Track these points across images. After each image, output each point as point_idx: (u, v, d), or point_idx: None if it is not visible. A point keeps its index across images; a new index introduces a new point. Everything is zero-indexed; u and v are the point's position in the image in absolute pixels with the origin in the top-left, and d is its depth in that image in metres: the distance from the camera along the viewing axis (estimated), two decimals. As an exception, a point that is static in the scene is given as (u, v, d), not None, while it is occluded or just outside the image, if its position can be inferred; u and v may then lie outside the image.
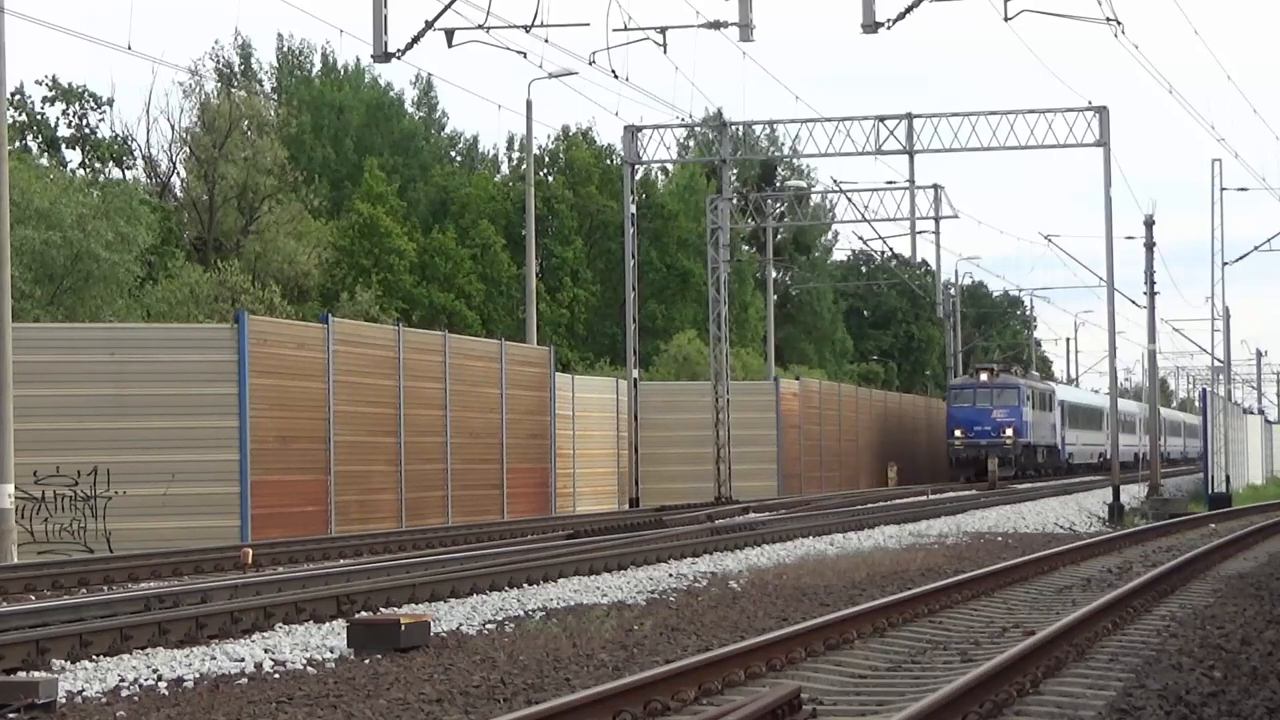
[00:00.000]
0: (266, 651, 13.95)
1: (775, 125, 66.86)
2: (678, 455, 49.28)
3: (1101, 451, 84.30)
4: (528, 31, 32.39)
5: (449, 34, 32.50)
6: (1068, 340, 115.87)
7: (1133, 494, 46.50)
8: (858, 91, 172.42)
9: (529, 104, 45.57)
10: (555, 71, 40.69)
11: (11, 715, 10.91)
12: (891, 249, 62.47)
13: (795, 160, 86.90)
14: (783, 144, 77.86)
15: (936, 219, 56.32)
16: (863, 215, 56.31)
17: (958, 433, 64.04)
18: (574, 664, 13.24)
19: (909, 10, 31.96)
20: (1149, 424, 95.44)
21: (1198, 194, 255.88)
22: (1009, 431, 63.62)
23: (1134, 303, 51.58)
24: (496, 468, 39.40)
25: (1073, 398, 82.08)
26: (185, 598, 17.32)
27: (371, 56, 32.84)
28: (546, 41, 33.15)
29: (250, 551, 23.70)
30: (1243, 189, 67.02)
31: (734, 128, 58.50)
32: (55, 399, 28.56)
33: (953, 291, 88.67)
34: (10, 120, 43.91)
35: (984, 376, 65.41)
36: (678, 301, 74.59)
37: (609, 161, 72.41)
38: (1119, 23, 35.58)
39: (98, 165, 55.27)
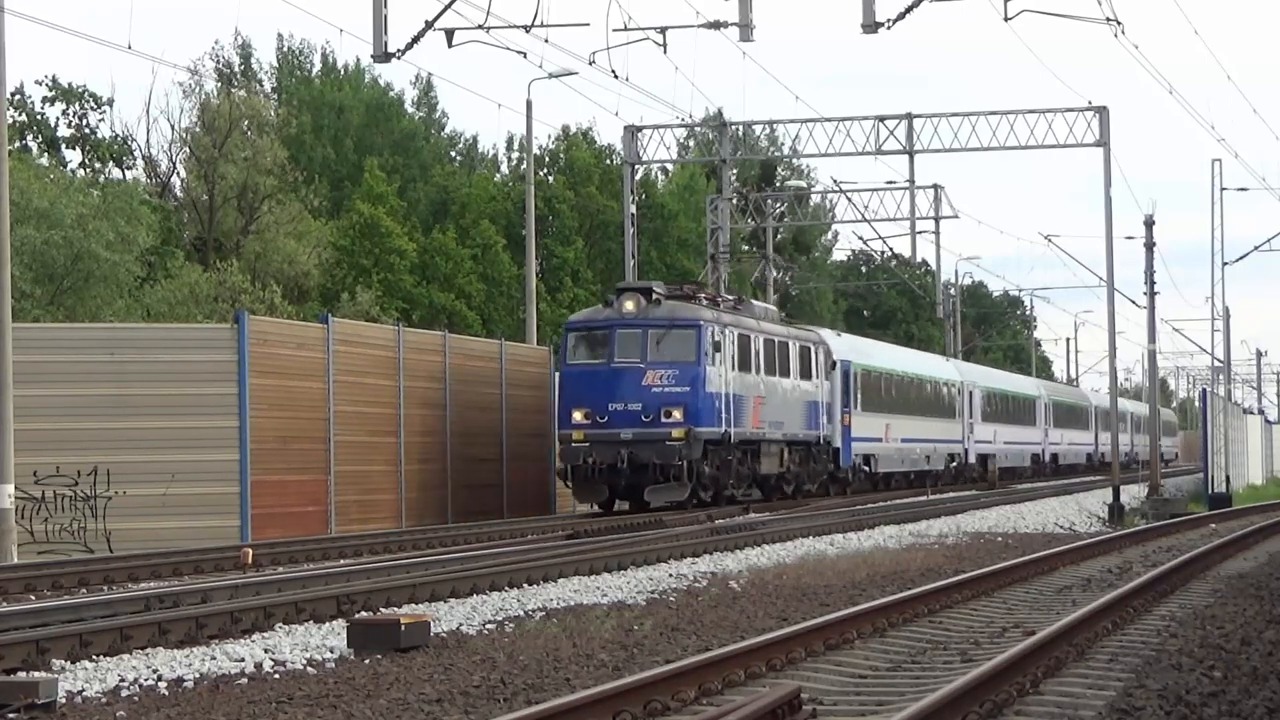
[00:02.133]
0: (266, 651, 13.95)
1: (775, 125, 67.00)
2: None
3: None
4: (528, 31, 32.40)
5: (449, 34, 32.49)
6: (1068, 340, 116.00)
7: (1133, 494, 46.51)
8: (858, 91, 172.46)
9: (529, 104, 45.61)
10: (555, 71, 40.70)
11: (11, 715, 10.91)
12: (891, 249, 62.47)
13: (795, 160, 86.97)
14: (783, 144, 77.95)
15: (936, 219, 56.36)
16: (863, 215, 56.33)
17: (576, 416, 35.55)
18: (574, 664, 13.24)
19: (909, 10, 31.97)
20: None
21: (1198, 194, 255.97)
22: (676, 414, 35.38)
23: (1134, 303, 51.63)
24: (497, 467, 39.40)
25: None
26: (185, 598, 17.31)
27: (371, 56, 32.84)
28: (546, 41, 33.17)
29: (250, 551, 23.70)
30: (1243, 189, 67.19)
31: (734, 128, 58.56)
32: (55, 399, 28.55)
33: (953, 291, 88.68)
34: (10, 120, 43.92)
35: (629, 306, 36.25)
36: (678, 301, 74.56)
37: (609, 161, 72.43)
38: (1119, 23, 35.60)
39: (98, 165, 55.28)
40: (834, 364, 46.16)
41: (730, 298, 41.97)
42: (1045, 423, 76.12)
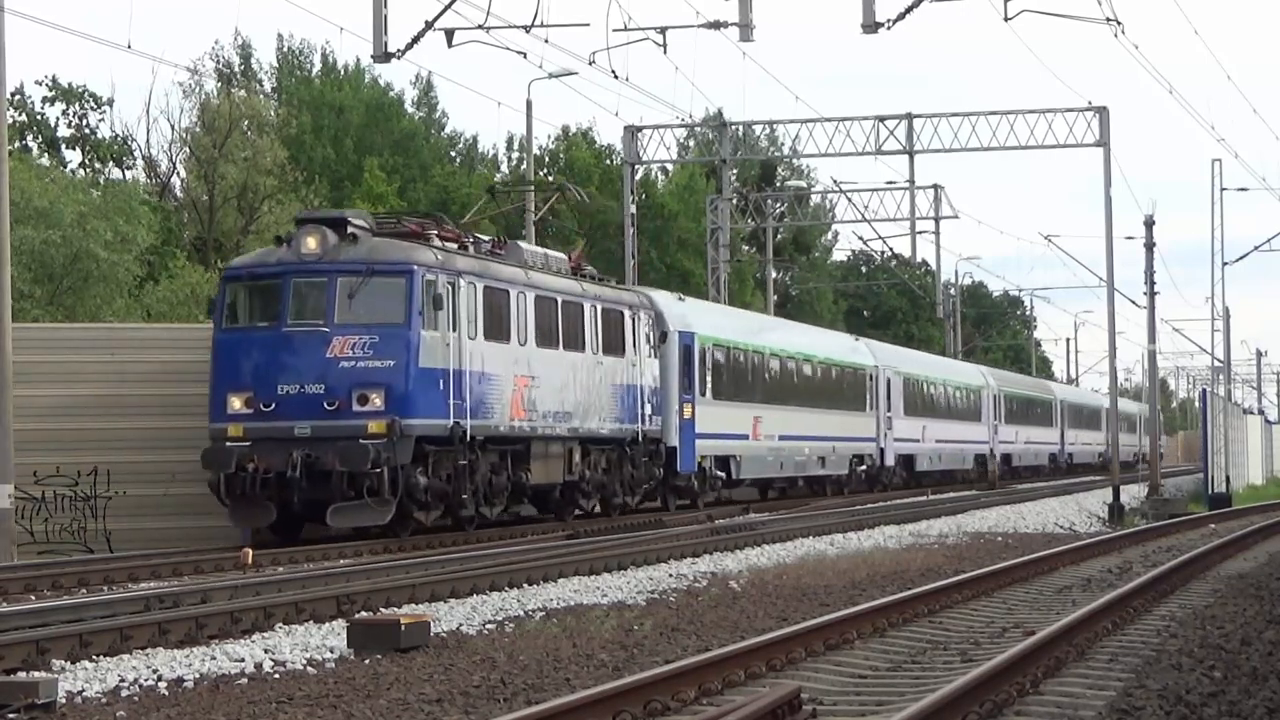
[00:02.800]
0: (266, 651, 13.95)
1: (775, 125, 66.98)
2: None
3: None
4: (528, 31, 32.41)
5: (449, 34, 32.50)
6: (1068, 340, 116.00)
7: (1133, 494, 46.51)
8: (858, 91, 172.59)
9: (529, 104, 45.58)
10: (555, 71, 40.69)
11: (11, 715, 10.91)
12: (891, 249, 62.58)
13: (795, 160, 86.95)
14: (783, 144, 77.93)
15: (936, 219, 56.41)
16: (863, 215, 56.39)
17: (234, 403, 26.17)
18: (574, 664, 13.24)
19: (909, 10, 31.97)
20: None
21: (1198, 194, 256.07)
22: (375, 399, 25.91)
23: (1134, 303, 51.66)
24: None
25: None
26: (185, 598, 17.31)
27: (371, 56, 32.86)
28: (546, 41, 33.17)
29: (250, 552, 23.68)
30: (1243, 189, 67.20)
31: (734, 128, 58.60)
32: (55, 399, 28.51)
33: (953, 291, 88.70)
34: (10, 120, 43.91)
35: (311, 244, 26.75)
36: (677, 302, 74.59)
37: (609, 161, 72.42)
38: (1119, 23, 35.61)
39: (98, 165, 55.25)
40: (665, 335, 36.42)
41: (485, 239, 31.17)
42: (994, 418, 68.05)
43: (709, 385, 38.53)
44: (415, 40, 32.14)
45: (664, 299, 38.11)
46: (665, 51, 35.54)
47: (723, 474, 39.44)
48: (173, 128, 59.09)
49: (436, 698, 11.65)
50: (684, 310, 38.77)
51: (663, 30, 35.54)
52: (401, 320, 26.06)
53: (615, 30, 38.72)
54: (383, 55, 32.20)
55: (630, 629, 15.55)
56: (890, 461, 53.10)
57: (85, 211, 44.64)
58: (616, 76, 34.73)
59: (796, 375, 45.74)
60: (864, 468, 50.93)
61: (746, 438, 40.93)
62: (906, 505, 42.50)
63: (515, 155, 78.76)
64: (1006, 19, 32.20)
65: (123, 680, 12.49)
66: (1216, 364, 77.19)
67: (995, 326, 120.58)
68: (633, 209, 51.46)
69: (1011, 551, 26.39)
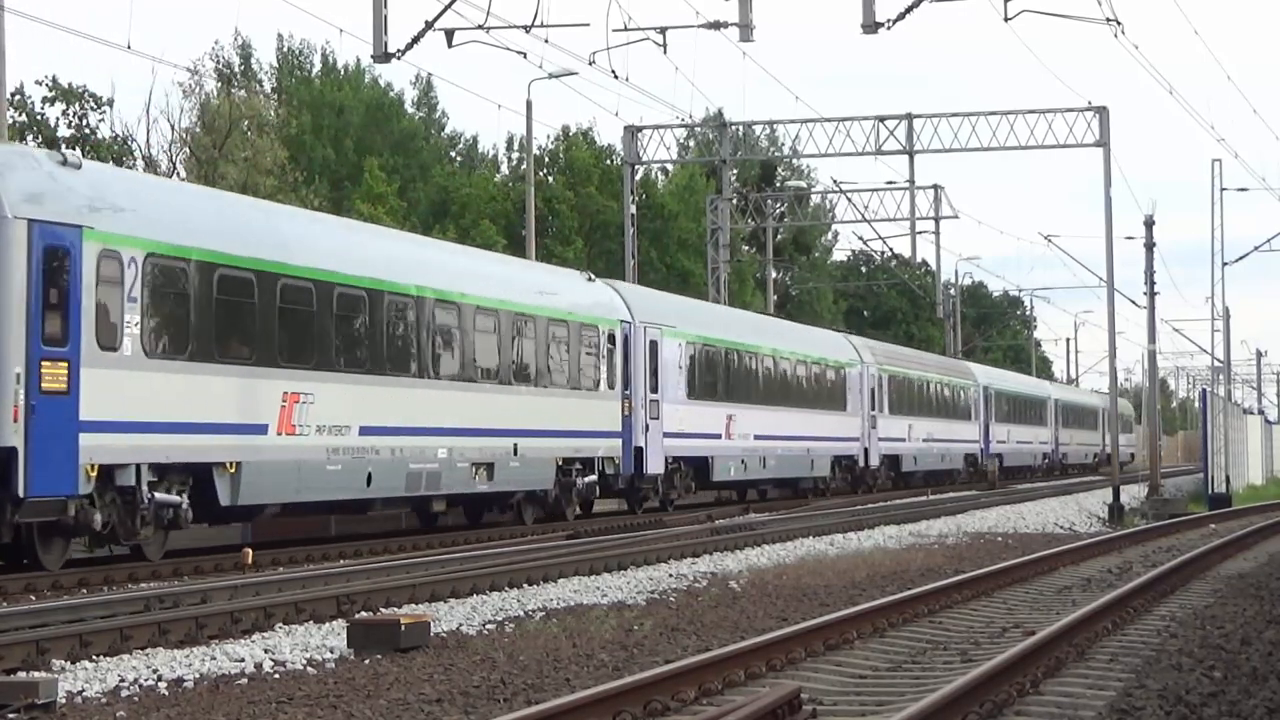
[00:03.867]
0: (266, 651, 13.95)
1: (775, 125, 66.96)
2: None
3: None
4: (528, 31, 32.41)
5: (449, 34, 32.51)
6: (1068, 340, 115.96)
7: (1133, 494, 46.52)
8: (858, 91, 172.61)
9: (529, 104, 45.53)
10: (555, 71, 40.67)
11: (11, 715, 10.91)
12: (891, 249, 62.66)
13: (795, 160, 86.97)
14: (783, 144, 77.92)
15: (936, 219, 56.48)
16: (863, 215, 56.45)
17: None
18: (574, 664, 13.24)
19: (909, 10, 31.97)
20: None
21: (1198, 194, 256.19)
22: None
23: (1134, 303, 51.62)
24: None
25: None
26: (185, 598, 17.30)
27: (371, 56, 32.86)
28: (546, 41, 33.17)
29: (250, 552, 23.68)
30: (1243, 189, 67.14)
31: (734, 128, 58.58)
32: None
33: (953, 291, 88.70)
34: (10, 120, 43.90)
35: None
36: (677, 302, 74.59)
37: (609, 161, 72.41)
38: (1119, 23, 35.60)
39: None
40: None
41: None
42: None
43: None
44: (415, 40, 32.15)
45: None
46: (665, 51, 35.57)
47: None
48: (173, 128, 59.06)
49: (436, 698, 11.65)
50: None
51: (663, 30, 35.55)
52: None
53: (615, 30, 38.79)
54: (383, 55, 32.20)
55: (630, 629, 15.55)
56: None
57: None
58: (616, 76, 34.75)
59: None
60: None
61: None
62: (906, 505, 42.50)
63: (515, 155, 78.81)
64: (1006, 19, 32.20)
65: (123, 680, 12.49)
66: (1216, 364, 77.16)
67: (995, 326, 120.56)
68: (633, 209, 51.49)
69: (1011, 551, 26.40)
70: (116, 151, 55.72)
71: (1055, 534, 33.48)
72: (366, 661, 13.50)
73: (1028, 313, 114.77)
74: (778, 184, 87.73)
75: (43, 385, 20.08)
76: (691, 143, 70.57)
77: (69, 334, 20.44)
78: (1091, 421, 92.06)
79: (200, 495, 22.79)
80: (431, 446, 27.81)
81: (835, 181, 58.35)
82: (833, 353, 49.38)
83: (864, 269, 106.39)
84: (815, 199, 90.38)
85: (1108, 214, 45.09)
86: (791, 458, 44.48)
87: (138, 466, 21.52)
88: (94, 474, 20.74)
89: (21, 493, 19.73)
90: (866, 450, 50.83)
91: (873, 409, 51.49)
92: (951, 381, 62.90)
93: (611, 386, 34.15)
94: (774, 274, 72.19)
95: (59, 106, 54.97)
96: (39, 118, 54.86)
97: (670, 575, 21.60)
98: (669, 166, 76.29)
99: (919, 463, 56.90)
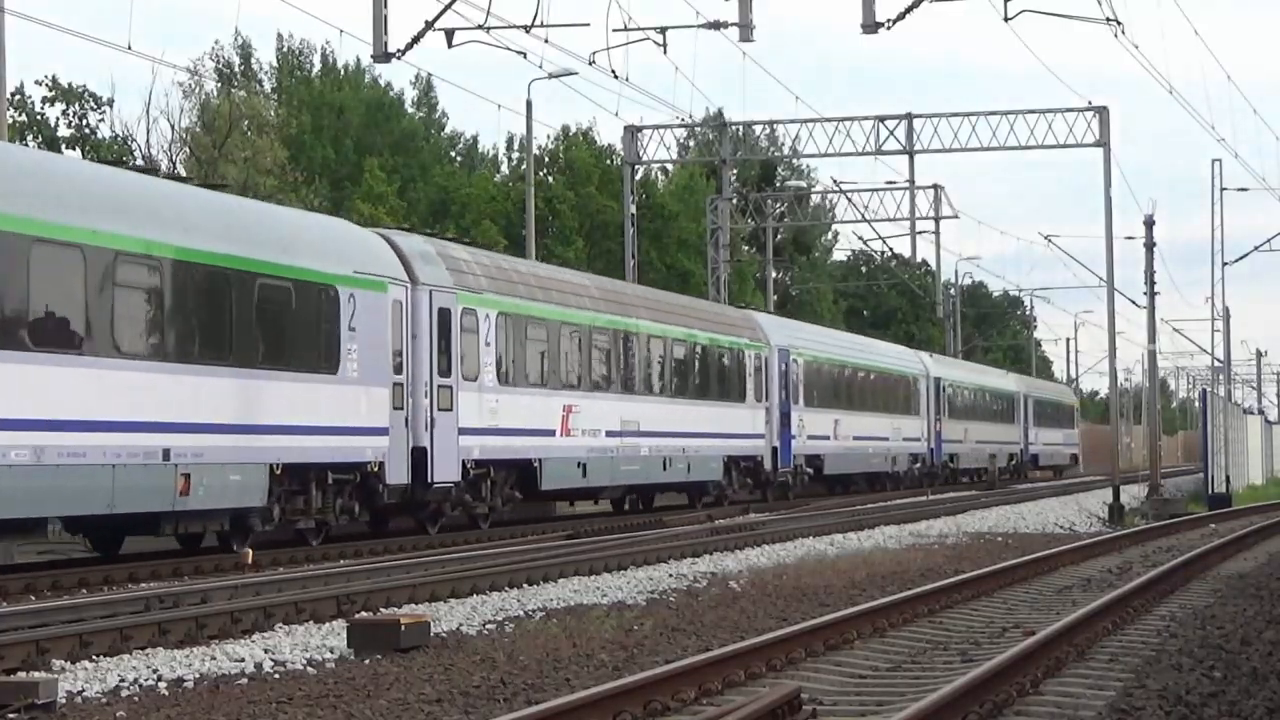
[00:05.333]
0: (266, 651, 13.95)
1: (775, 125, 66.98)
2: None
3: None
4: (528, 31, 32.40)
5: (449, 34, 32.51)
6: (1068, 340, 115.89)
7: (1133, 494, 46.53)
8: (858, 91, 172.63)
9: (529, 104, 45.51)
10: (555, 71, 40.67)
11: (11, 715, 10.91)
12: (891, 249, 62.64)
13: (795, 160, 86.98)
14: (783, 144, 77.91)
15: (936, 219, 56.48)
16: (863, 215, 56.47)
17: None
18: (574, 664, 13.24)
19: (909, 10, 31.97)
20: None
21: (1198, 194, 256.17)
22: None
23: (1134, 303, 51.60)
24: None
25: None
26: (185, 598, 17.30)
27: (371, 56, 32.87)
28: (546, 41, 33.16)
29: (250, 552, 23.68)
30: (1243, 189, 67.08)
31: (734, 128, 58.61)
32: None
33: (953, 291, 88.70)
34: (10, 120, 43.89)
35: None
36: (678, 302, 74.53)
37: (609, 161, 72.40)
38: (1119, 23, 35.60)
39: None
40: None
41: None
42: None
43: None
44: (415, 40, 32.15)
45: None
46: (665, 51, 35.56)
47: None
48: (173, 128, 59.07)
49: (436, 698, 11.65)
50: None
51: (663, 30, 35.54)
52: None
53: (615, 30, 38.76)
54: (383, 55, 32.20)
55: (630, 629, 15.55)
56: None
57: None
58: (616, 76, 34.75)
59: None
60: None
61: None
62: (906, 505, 42.52)
63: (515, 155, 78.78)
64: (1006, 19, 32.21)
65: (123, 680, 12.49)
66: (1216, 364, 77.16)
67: (995, 326, 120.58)
68: (633, 209, 51.49)
69: (1011, 551, 26.40)
70: (116, 151, 55.75)
71: (1055, 534, 33.48)
72: (366, 661, 13.50)
73: (1028, 313, 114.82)
74: (778, 184, 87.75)
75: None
76: (691, 143, 70.62)
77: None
78: (1068, 421, 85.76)
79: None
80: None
81: (835, 181, 58.41)
82: (728, 334, 41.58)
83: (864, 269, 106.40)
84: (815, 199, 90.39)
85: (1108, 214, 45.11)
86: (662, 459, 37.11)
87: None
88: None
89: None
90: (775, 449, 43.39)
91: (785, 401, 44.19)
92: (890, 369, 55.47)
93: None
94: (774, 274, 72.17)
95: (59, 106, 54.97)
96: (39, 118, 54.86)
97: (670, 575, 21.60)
98: (669, 166, 76.29)
99: (848, 464, 50.04)
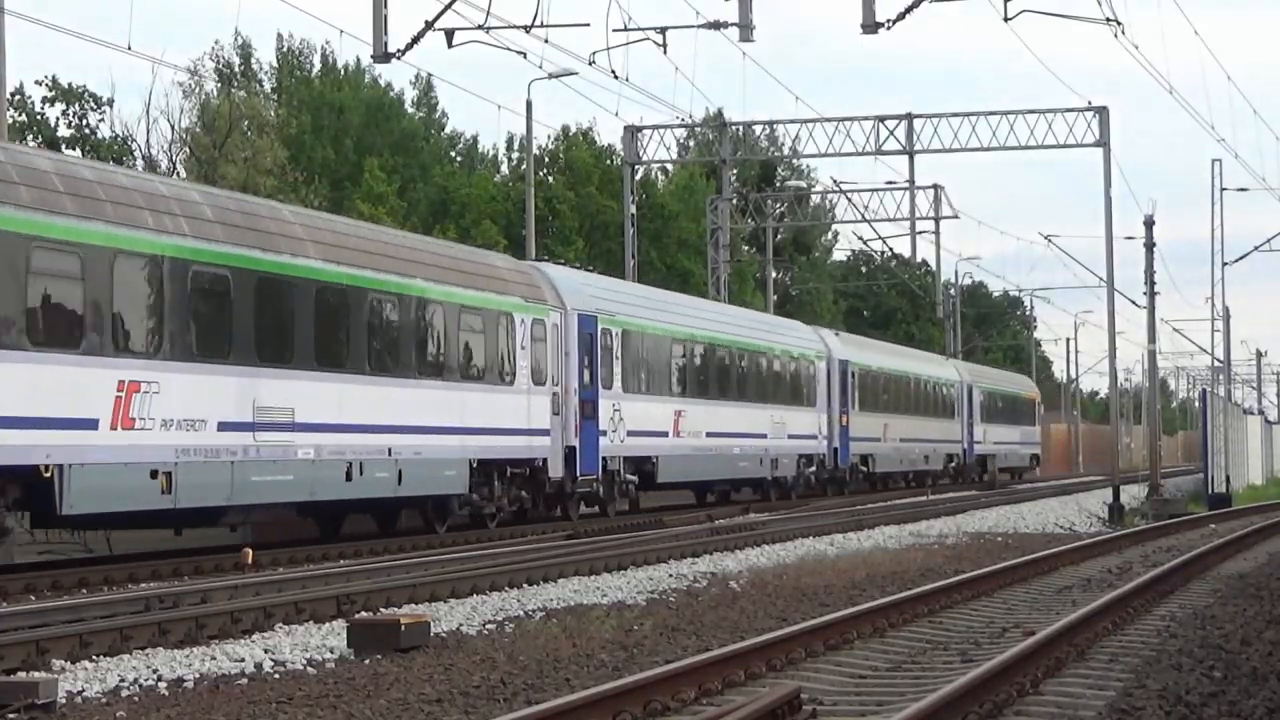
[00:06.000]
0: (266, 652, 13.95)
1: (775, 125, 67.00)
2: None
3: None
4: (528, 32, 32.38)
5: (449, 34, 32.48)
6: (1068, 340, 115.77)
7: (1133, 494, 46.53)
8: (858, 91, 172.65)
9: (529, 104, 45.53)
10: (555, 71, 40.66)
11: (11, 715, 10.91)
12: (891, 249, 62.59)
13: (795, 160, 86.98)
14: (783, 144, 77.92)
15: (936, 219, 56.47)
16: (863, 215, 56.45)
17: None
18: (574, 664, 13.24)
19: (909, 10, 31.95)
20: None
21: (1198, 194, 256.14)
22: None
23: (1134, 303, 51.53)
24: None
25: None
26: (185, 598, 17.30)
27: (371, 57, 32.82)
28: (546, 41, 33.14)
29: (250, 552, 23.68)
30: (1243, 189, 67.03)
31: (734, 128, 58.62)
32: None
33: (953, 291, 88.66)
34: (10, 120, 43.91)
35: None
36: (678, 302, 74.47)
37: (609, 161, 72.40)
38: (1119, 23, 35.58)
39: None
40: None
41: None
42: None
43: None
44: (415, 40, 32.12)
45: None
46: (665, 51, 35.54)
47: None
48: (173, 128, 59.06)
49: (436, 698, 11.65)
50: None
51: (663, 30, 35.53)
52: None
53: (615, 30, 38.74)
54: (383, 55, 32.17)
55: (630, 629, 15.55)
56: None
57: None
58: (616, 76, 34.74)
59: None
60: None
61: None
62: (906, 505, 42.53)
63: (515, 155, 78.77)
64: (1006, 19, 32.17)
65: (123, 680, 12.49)
66: (1216, 364, 77.15)
67: (995, 326, 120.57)
68: (633, 209, 51.48)
69: (1011, 551, 26.40)
70: (116, 151, 55.77)
71: (1055, 534, 33.49)
72: (366, 661, 13.50)
73: (1028, 313, 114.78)
74: (778, 184, 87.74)
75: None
76: (691, 143, 70.57)
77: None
78: (1027, 417, 75.39)
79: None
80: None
81: (835, 181, 58.39)
82: (496, 298, 30.36)
83: (864, 269, 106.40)
84: (815, 199, 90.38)
85: (1108, 214, 45.11)
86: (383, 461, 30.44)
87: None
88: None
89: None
90: (572, 450, 32.40)
91: (568, 382, 32.37)
92: (771, 346, 44.12)
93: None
94: (774, 274, 72.17)
95: (59, 106, 54.98)
96: (39, 118, 54.87)
97: (670, 575, 21.60)
98: (669, 166, 76.30)
99: (690, 469, 38.29)
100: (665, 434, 36.77)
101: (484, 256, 32.98)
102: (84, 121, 55.57)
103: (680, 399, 37.67)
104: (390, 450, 26.69)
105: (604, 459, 33.51)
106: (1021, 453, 73.65)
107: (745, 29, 33.36)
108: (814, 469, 46.39)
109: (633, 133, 50.78)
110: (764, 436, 42.57)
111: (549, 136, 74.52)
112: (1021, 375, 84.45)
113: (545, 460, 31.44)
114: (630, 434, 34.75)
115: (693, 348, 38.87)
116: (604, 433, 33.59)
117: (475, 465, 29.17)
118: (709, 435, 39.01)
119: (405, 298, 27.56)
